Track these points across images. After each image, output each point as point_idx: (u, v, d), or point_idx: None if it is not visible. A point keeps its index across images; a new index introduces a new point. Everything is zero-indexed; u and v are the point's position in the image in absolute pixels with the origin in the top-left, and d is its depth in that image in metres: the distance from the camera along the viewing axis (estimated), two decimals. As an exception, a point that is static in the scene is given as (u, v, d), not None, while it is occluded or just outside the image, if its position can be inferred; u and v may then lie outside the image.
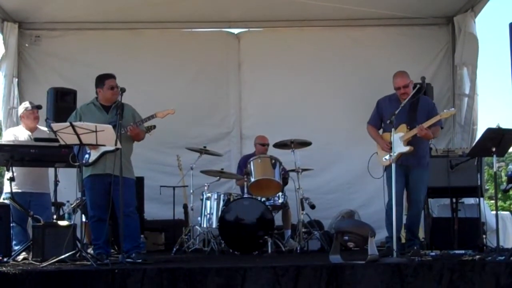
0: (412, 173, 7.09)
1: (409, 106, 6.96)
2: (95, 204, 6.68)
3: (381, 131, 7.31)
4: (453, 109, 7.48)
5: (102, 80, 6.87)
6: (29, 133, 7.66)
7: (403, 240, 7.36)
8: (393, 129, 6.51)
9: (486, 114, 23.43)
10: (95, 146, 6.44)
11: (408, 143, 6.93)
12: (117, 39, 10.11)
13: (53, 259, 6.05)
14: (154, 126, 7.44)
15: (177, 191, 9.23)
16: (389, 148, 6.81)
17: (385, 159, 6.90)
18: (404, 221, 7.26)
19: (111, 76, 6.89)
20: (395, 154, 6.70)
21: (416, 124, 6.94)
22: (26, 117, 7.75)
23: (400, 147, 6.88)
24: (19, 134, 7.70)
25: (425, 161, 7.18)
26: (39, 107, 7.89)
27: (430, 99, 7.70)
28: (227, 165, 9.40)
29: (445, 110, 7.17)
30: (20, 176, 7.23)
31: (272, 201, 8.18)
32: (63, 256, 6.09)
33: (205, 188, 8.29)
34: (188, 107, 9.65)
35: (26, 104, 7.83)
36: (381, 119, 7.28)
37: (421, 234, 7.74)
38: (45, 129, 7.84)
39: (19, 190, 7.32)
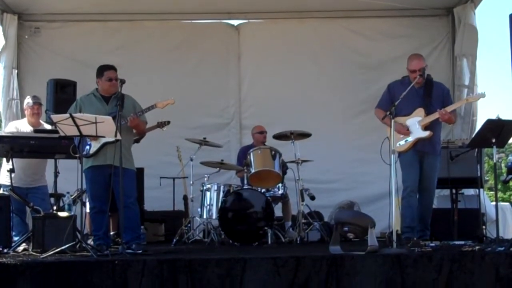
0: (427, 160, 6.96)
1: (424, 91, 6.81)
2: (95, 195, 6.68)
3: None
4: (482, 92, 7.01)
5: (101, 71, 6.84)
6: (31, 128, 7.63)
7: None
8: (392, 121, 6.39)
9: (485, 105, 23.36)
10: (95, 137, 6.43)
11: (425, 128, 6.82)
12: (117, 31, 10.10)
13: (53, 250, 6.04)
14: (168, 122, 7.34)
15: (177, 182, 9.23)
16: (405, 130, 6.69)
17: (400, 144, 6.73)
18: None
19: (110, 68, 6.84)
20: (410, 140, 6.61)
21: (432, 108, 6.79)
22: (26, 111, 7.77)
23: (418, 132, 6.78)
24: (21, 127, 7.69)
25: (439, 147, 7.08)
26: (40, 103, 7.82)
27: (444, 85, 7.44)
28: (226, 155, 9.39)
29: (471, 94, 6.96)
30: (17, 170, 7.16)
31: (272, 192, 8.18)
32: (63, 247, 6.09)
33: (205, 179, 8.28)
34: (188, 98, 9.63)
35: (29, 98, 7.80)
36: (393, 103, 6.98)
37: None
38: (50, 127, 7.73)
39: (16, 185, 7.27)
